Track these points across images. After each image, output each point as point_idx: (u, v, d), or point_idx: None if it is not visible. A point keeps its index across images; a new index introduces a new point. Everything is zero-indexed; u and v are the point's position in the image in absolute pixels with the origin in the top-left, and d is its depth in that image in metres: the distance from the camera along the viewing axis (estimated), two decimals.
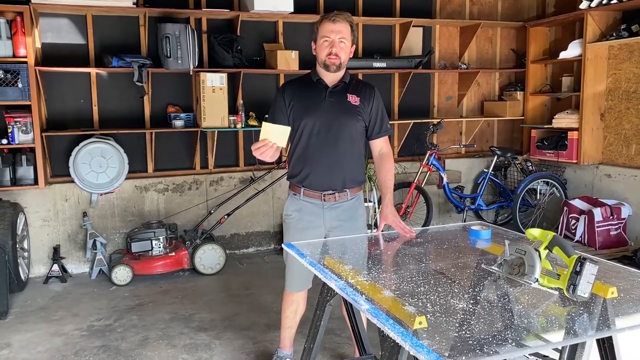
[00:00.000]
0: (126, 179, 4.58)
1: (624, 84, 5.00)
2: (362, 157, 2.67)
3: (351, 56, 2.57)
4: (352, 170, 2.61)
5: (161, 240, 4.44)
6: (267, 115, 2.71)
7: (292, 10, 4.75)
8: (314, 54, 2.56)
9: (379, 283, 1.85)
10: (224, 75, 4.66)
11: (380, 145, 2.69)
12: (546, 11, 5.89)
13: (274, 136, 2.30)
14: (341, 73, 2.58)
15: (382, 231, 2.60)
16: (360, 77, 5.47)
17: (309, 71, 2.64)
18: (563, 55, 5.29)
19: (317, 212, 2.60)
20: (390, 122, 6.26)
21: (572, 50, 5.22)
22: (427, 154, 5.22)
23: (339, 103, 2.55)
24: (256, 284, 4.31)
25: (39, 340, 3.36)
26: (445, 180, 5.34)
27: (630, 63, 4.92)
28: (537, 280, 1.77)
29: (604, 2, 4.77)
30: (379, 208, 4.92)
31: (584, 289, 1.65)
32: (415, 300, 1.68)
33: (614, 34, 4.84)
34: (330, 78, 2.56)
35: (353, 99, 2.56)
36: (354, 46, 2.58)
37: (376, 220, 4.89)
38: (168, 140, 4.93)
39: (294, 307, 2.78)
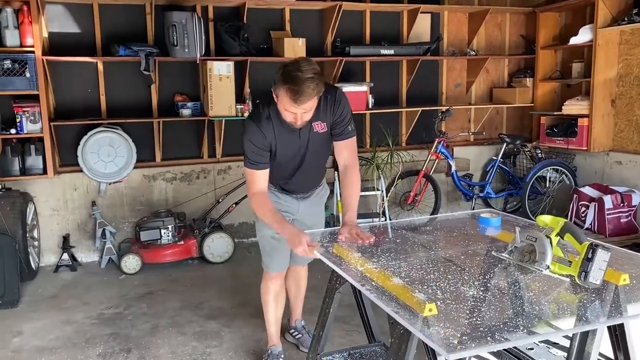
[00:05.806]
0: (134, 168, 4.60)
1: (636, 70, 4.93)
2: (325, 164, 2.82)
3: None
4: (319, 178, 2.83)
5: (170, 229, 4.46)
6: (247, 154, 2.47)
7: None
8: (276, 101, 2.32)
9: (389, 270, 1.84)
10: (231, 64, 4.63)
11: (344, 151, 2.58)
12: None
13: None
14: None
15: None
16: (367, 65, 5.44)
17: (273, 99, 2.35)
18: (573, 40, 5.22)
19: (291, 200, 2.81)
20: (398, 110, 6.12)
21: (582, 36, 5.14)
22: (436, 142, 5.19)
23: (308, 135, 2.49)
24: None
25: (50, 328, 3.40)
26: (453, 168, 5.31)
27: None
28: (548, 267, 1.76)
29: None
30: (386, 196, 4.90)
31: (596, 275, 1.64)
32: (425, 287, 1.68)
33: (626, 19, 4.76)
34: None
35: (320, 127, 2.48)
36: None
37: (384, 209, 4.88)
38: (176, 129, 4.93)
39: (273, 295, 2.85)
